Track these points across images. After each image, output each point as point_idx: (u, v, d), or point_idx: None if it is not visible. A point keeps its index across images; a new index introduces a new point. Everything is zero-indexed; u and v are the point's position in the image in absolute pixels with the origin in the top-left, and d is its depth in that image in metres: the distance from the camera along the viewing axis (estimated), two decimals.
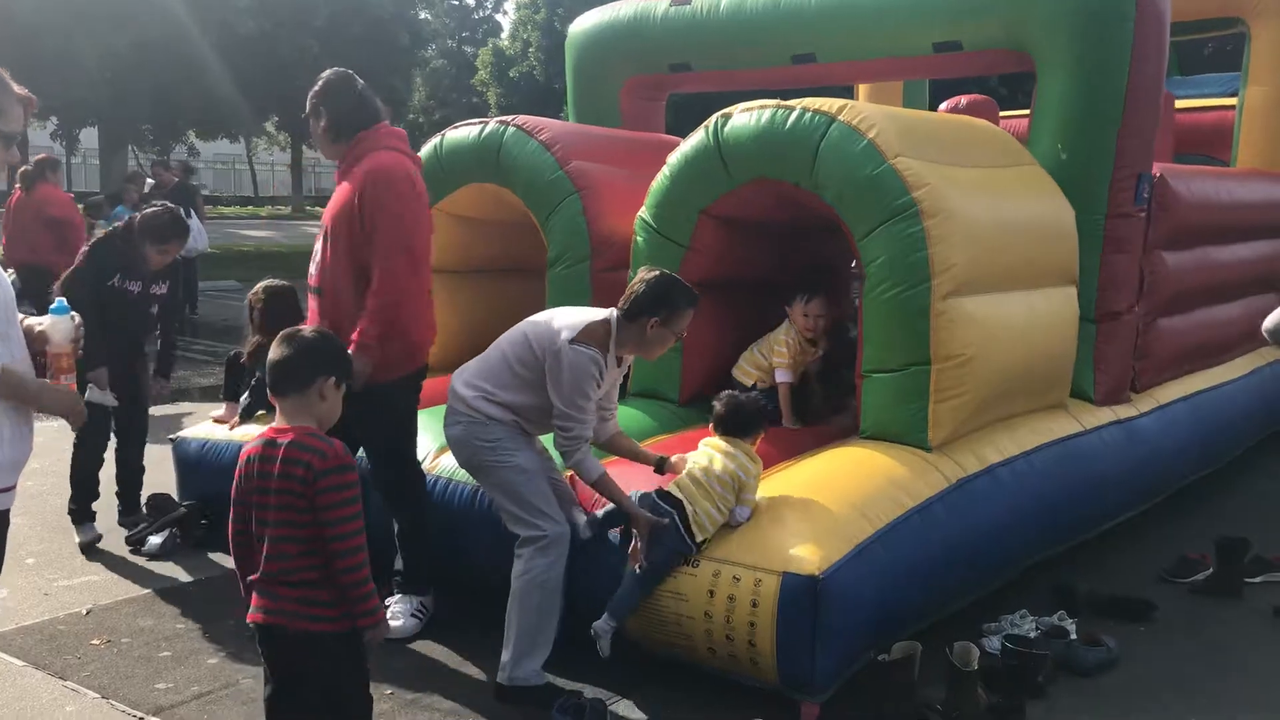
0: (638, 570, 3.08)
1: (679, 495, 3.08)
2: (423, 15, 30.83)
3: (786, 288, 4.14)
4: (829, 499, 3.15)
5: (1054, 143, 4.37)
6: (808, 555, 2.90)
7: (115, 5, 18.14)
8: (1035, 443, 3.90)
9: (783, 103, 3.74)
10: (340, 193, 3.51)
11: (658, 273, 3.16)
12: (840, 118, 3.60)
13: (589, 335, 3.07)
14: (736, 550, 3.02)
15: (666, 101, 6.16)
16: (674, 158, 4.04)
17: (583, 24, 5.96)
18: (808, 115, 3.65)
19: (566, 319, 3.13)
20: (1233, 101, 6.78)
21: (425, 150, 4.67)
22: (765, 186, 3.86)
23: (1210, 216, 5.14)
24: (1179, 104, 7.27)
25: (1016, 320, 3.76)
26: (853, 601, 2.93)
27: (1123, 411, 4.50)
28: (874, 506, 3.17)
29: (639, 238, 4.17)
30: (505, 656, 3.11)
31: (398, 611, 3.56)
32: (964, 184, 3.65)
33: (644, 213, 4.15)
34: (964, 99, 6.16)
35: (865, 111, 3.61)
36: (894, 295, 3.49)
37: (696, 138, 3.94)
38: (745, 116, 3.80)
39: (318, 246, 3.57)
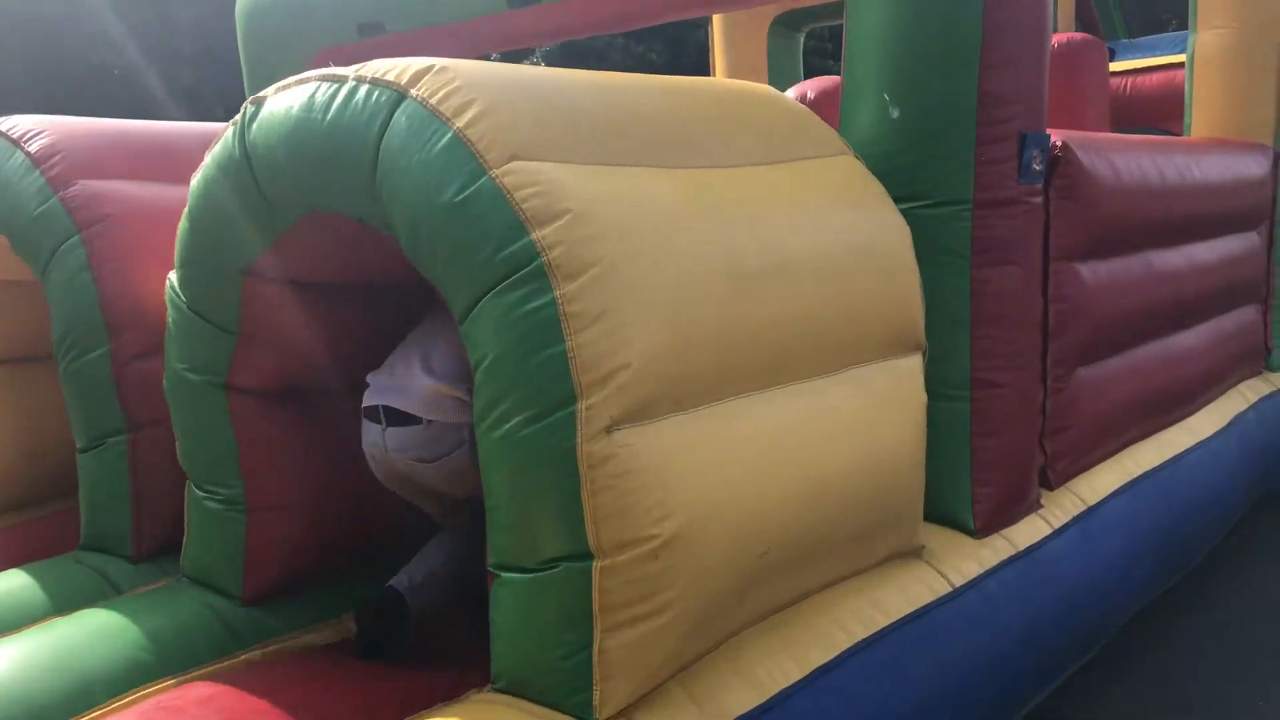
0: None
1: None
2: None
3: None
4: None
5: (874, 105, 2.67)
6: None
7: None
8: (845, 645, 2.19)
9: (332, 72, 2.03)
10: None
11: None
12: (414, 93, 1.88)
13: None
14: None
15: None
16: (195, 180, 2.31)
17: None
18: (363, 92, 1.94)
19: None
20: (1183, 58, 5.10)
21: None
22: (324, 226, 2.16)
23: (1149, 206, 3.43)
24: (1119, 66, 5.61)
25: (788, 441, 2.04)
26: None
27: (1025, 535, 2.80)
28: None
29: (169, 317, 2.46)
30: None
31: None
32: (663, 203, 1.94)
33: (172, 275, 2.44)
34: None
35: (461, 77, 1.89)
36: (515, 430, 1.78)
37: (220, 143, 2.22)
38: (279, 102, 2.08)
39: None
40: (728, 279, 1.96)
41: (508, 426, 1.78)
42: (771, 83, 5.66)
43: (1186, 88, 4.89)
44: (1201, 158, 3.90)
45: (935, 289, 2.64)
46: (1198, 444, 3.70)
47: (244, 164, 2.14)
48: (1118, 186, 3.20)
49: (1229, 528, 3.92)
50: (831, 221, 2.26)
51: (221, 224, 2.24)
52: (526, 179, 1.78)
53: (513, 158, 1.80)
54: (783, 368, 2.07)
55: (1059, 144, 2.95)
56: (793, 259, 2.11)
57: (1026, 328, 2.78)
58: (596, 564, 1.76)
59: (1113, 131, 5.55)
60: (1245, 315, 4.41)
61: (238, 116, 2.17)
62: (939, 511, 2.72)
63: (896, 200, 2.65)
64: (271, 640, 2.49)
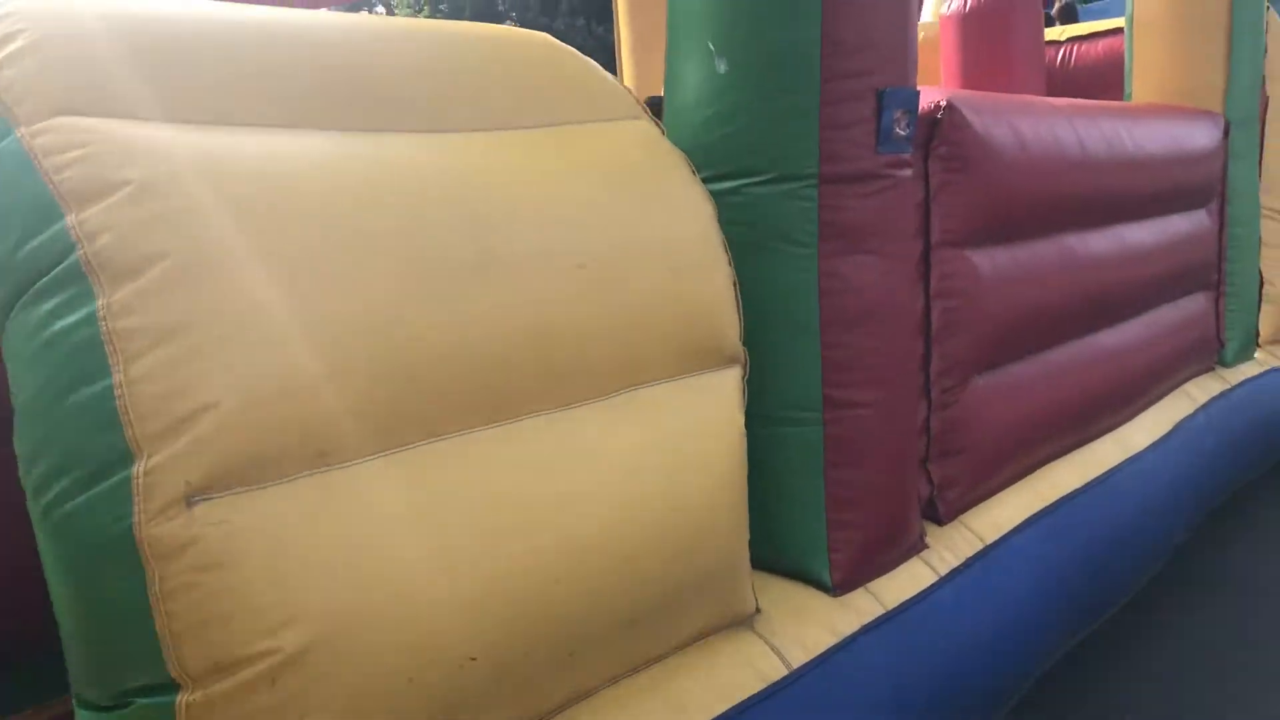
0: None
1: None
2: None
3: None
4: None
5: (698, 59, 2.12)
6: None
7: None
8: None
9: None
10: None
11: None
12: None
13: None
14: None
15: None
16: None
17: None
18: None
19: None
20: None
21: None
22: None
23: (1066, 180, 2.89)
24: (1059, 34, 5.07)
25: (517, 495, 1.48)
26: None
27: (900, 587, 2.26)
28: None
29: None
30: None
31: None
32: (313, 175, 1.38)
33: None
34: None
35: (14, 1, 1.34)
36: (59, 502, 1.23)
37: None
38: None
39: None
40: (417, 276, 1.41)
41: (50, 497, 1.22)
42: None
43: (1126, 50, 4.36)
44: (1137, 125, 3.36)
45: (774, 286, 2.11)
46: (1130, 459, 3.16)
47: None
48: (1023, 156, 2.66)
49: (1170, 554, 3.39)
50: (596, 202, 1.70)
51: None
52: (70, 139, 1.22)
53: (58, 112, 1.24)
54: (513, 396, 1.51)
55: (942, 104, 2.41)
56: (528, 251, 1.55)
57: (895, 331, 2.23)
58: (182, 698, 1.21)
59: None
60: (1193, 305, 3.88)
61: None
62: (787, 564, 2.17)
63: (726, 176, 2.11)
64: None
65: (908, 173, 2.23)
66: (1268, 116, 4.39)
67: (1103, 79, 4.91)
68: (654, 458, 1.69)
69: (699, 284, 1.82)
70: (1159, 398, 3.55)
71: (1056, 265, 2.86)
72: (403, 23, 1.81)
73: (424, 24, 1.85)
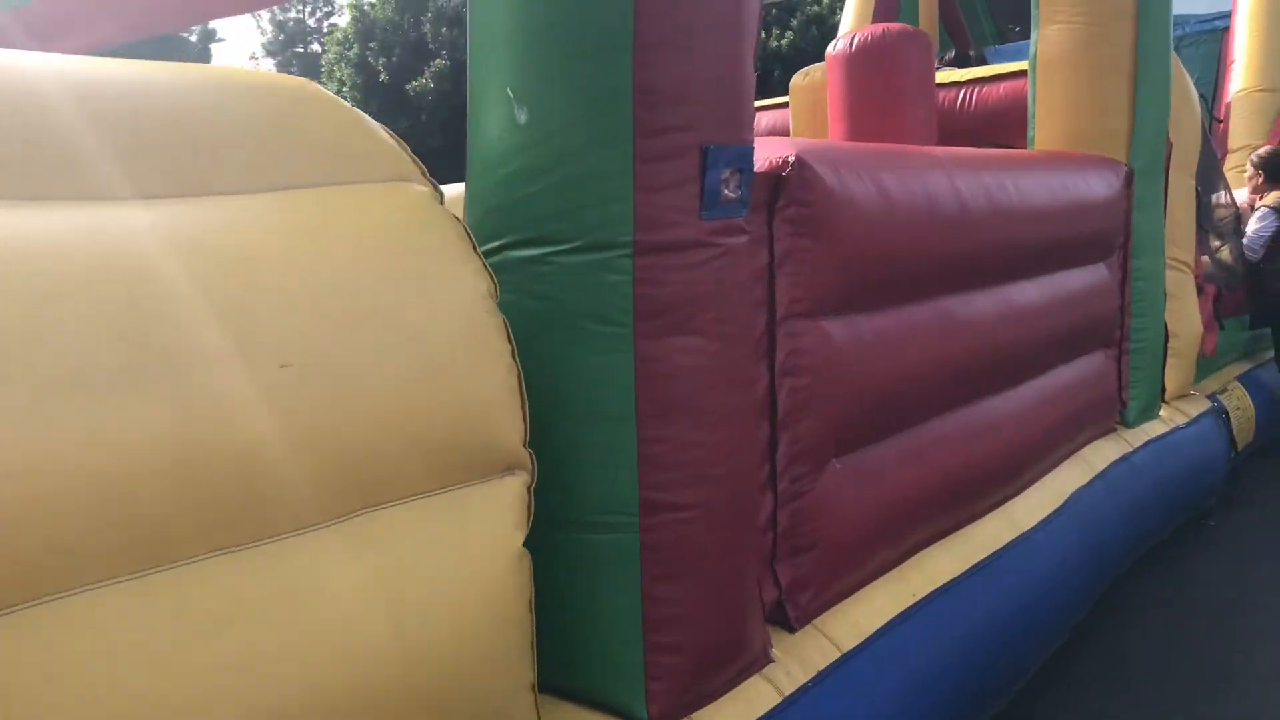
0: None
1: None
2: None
3: None
4: None
5: (499, 107, 1.84)
6: None
7: None
8: None
9: None
10: None
11: None
12: None
13: None
14: None
15: None
16: None
17: None
18: None
19: None
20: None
21: None
22: None
23: (940, 238, 2.64)
24: (959, 76, 4.87)
25: (184, 660, 1.17)
26: None
27: (734, 717, 1.96)
28: None
29: None
30: None
31: None
32: None
33: None
34: None
35: None
36: None
37: None
38: None
39: None
40: (34, 390, 1.09)
41: None
42: None
43: (1030, 93, 4.18)
44: (1026, 176, 3.14)
45: (583, 371, 1.82)
46: (1018, 539, 2.91)
47: None
48: (888, 214, 2.41)
49: (1064, 636, 3.14)
50: (320, 284, 1.39)
51: None
52: None
53: None
54: (174, 534, 1.20)
55: (789, 159, 2.14)
56: (210, 351, 1.24)
57: (728, 420, 1.94)
58: None
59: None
60: (1092, 364, 3.66)
61: None
62: (596, 694, 1.87)
63: (529, 243, 1.83)
64: None
65: (742, 239, 1.95)
66: (1171, 164, 4.21)
67: (1004, 123, 4.72)
68: (388, 597, 1.38)
69: (462, 380, 1.52)
70: (1053, 466, 3.32)
71: (931, 331, 2.61)
72: (108, 66, 1.49)
73: (139, 68, 1.54)
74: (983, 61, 6.70)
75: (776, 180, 2.10)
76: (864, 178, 2.33)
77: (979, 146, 4.81)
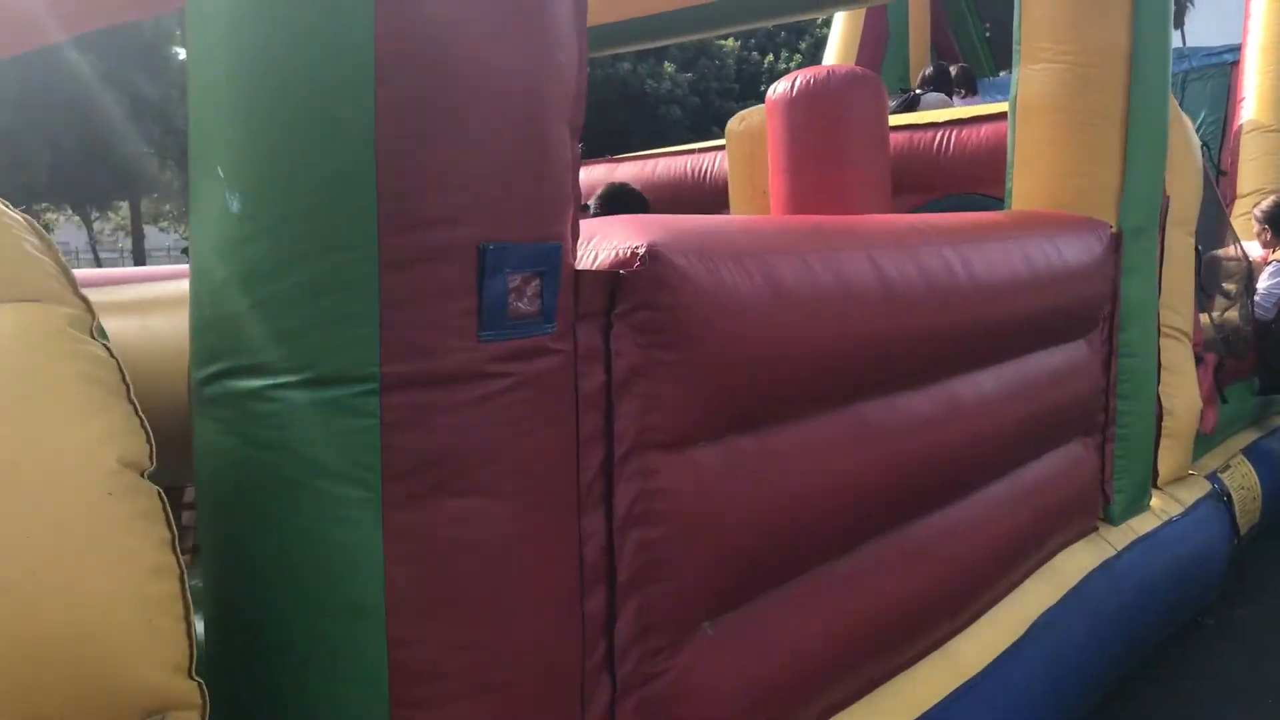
0: None
1: None
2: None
3: None
4: None
5: (214, 193, 1.38)
6: None
7: None
8: None
9: None
10: None
11: None
12: None
13: None
14: None
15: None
16: None
17: None
18: None
19: None
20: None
21: None
22: None
23: (855, 331, 2.15)
24: (936, 117, 4.39)
25: None
26: None
27: None
28: None
29: None
30: None
31: None
32: None
33: None
34: None
35: None
36: None
37: None
38: None
39: None
40: None
41: None
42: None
43: (1009, 142, 3.68)
44: (980, 247, 2.65)
45: (315, 547, 1.35)
46: (963, 687, 2.40)
47: None
48: (780, 309, 1.91)
49: None
50: None
51: None
52: None
53: None
54: None
55: (639, 250, 1.66)
56: None
57: (527, 604, 1.46)
58: None
59: (926, 199, 4.34)
60: (1066, 457, 3.15)
61: None
62: None
63: (251, 371, 1.36)
64: None
65: (550, 362, 1.47)
66: (1168, 220, 3.71)
67: (985, 171, 4.22)
68: None
69: (63, 597, 1.05)
70: (1014, 585, 2.81)
71: (842, 445, 2.11)
72: None
73: None
74: (969, 79, 6.22)
75: (613, 280, 1.62)
76: (748, 266, 1.85)
77: (962, 194, 4.35)
